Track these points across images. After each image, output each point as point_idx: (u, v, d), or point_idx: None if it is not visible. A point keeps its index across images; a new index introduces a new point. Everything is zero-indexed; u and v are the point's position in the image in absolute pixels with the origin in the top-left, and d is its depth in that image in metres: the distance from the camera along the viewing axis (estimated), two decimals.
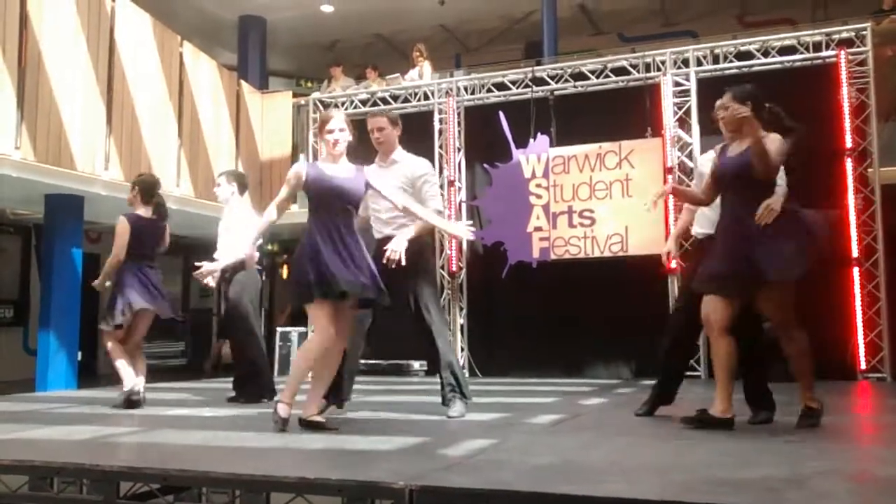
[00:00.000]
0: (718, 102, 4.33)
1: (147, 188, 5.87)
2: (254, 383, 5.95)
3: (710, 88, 8.49)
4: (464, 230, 4.76)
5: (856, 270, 7.69)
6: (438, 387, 4.83)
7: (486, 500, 2.56)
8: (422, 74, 10.57)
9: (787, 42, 8.42)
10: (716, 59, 8.63)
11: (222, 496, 2.97)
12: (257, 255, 5.97)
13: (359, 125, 4.67)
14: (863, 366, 7.60)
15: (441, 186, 9.62)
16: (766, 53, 8.44)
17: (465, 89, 9.75)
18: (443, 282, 9.58)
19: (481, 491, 2.60)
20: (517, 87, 9.40)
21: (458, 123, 9.63)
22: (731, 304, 4.05)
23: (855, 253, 7.71)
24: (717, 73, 8.61)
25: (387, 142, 4.96)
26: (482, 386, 7.06)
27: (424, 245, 4.93)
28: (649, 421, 4.61)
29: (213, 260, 5.80)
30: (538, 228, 8.92)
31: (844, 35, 8.18)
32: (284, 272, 15.18)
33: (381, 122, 4.95)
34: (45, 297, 8.18)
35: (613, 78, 9.04)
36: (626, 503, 2.43)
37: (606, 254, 8.63)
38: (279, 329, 10.72)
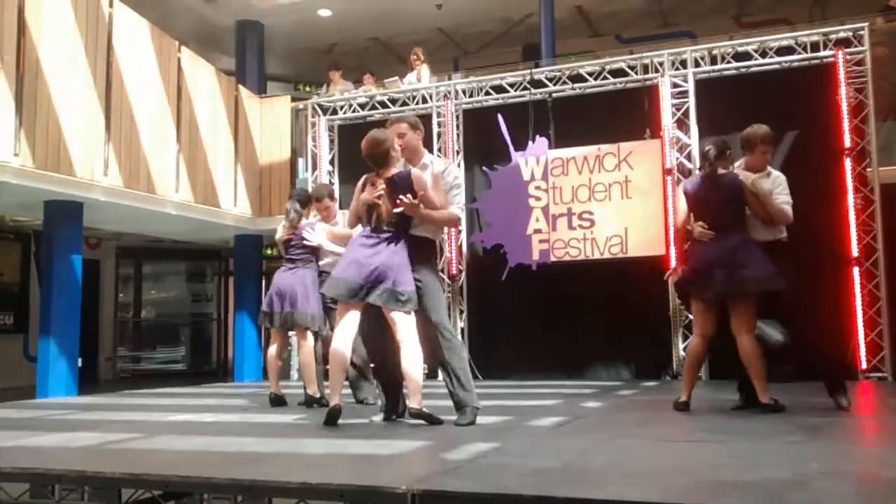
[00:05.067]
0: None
1: None
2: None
3: (709, 89, 8.58)
4: None
5: (856, 270, 7.71)
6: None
7: None
8: (420, 78, 10.57)
9: (784, 42, 8.43)
10: (713, 60, 8.63)
11: (224, 502, 2.97)
12: None
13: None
14: (864, 365, 7.61)
15: None
16: (763, 54, 8.44)
17: (464, 92, 9.75)
18: (443, 284, 9.57)
19: (483, 495, 2.59)
20: (515, 90, 9.40)
21: (457, 126, 9.62)
22: None
23: (855, 252, 7.71)
24: (715, 74, 8.62)
25: (408, 147, 4.78)
26: (483, 388, 6.99)
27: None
28: (651, 423, 4.62)
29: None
30: (538, 231, 8.92)
31: (842, 35, 8.18)
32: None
33: (400, 127, 4.77)
34: (45, 303, 8.17)
35: (611, 80, 9.04)
36: None
37: (606, 255, 8.61)
38: None
